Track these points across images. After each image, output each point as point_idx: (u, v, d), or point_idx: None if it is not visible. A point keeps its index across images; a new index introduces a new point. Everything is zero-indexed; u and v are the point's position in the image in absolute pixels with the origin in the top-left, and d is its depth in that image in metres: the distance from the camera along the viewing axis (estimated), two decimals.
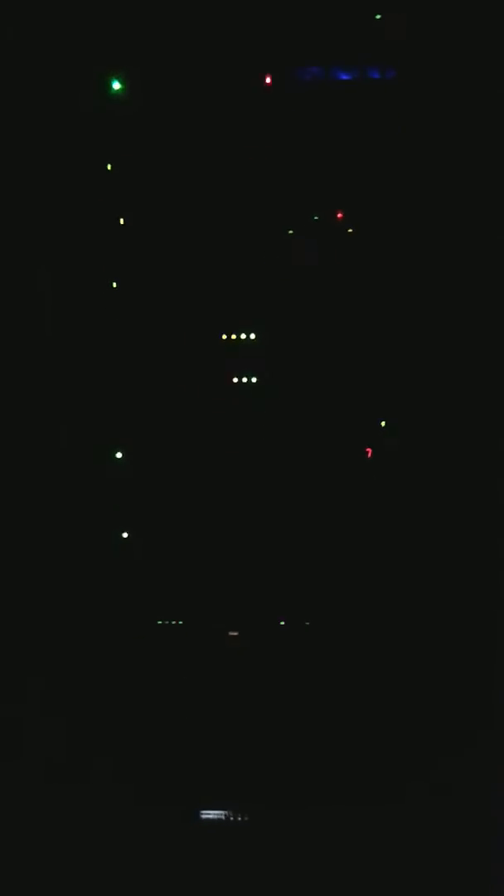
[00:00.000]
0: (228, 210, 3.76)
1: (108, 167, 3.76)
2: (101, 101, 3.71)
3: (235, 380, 3.76)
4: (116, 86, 3.71)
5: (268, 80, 3.69)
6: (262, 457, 3.74)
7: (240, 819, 3.59)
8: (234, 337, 3.77)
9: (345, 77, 3.68)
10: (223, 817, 3.60)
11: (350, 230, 3.77)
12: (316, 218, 3.77)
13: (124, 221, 3.78)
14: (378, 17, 3.65)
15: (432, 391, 3.69)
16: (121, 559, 3.71)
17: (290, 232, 3.78)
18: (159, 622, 3.70)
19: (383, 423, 3.71)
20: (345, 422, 3.73)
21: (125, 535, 3.72)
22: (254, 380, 3.76)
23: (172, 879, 3.49)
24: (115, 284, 3.77)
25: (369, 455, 3.70)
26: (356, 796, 3.57)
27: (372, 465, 3.70)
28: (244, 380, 3.76)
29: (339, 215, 3.77)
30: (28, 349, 3.72)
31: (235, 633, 3.67)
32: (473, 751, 3.45)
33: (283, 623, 3.69)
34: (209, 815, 3.60)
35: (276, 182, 3.74)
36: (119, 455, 3.74)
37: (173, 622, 3.70)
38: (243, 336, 3.77)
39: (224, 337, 3.78)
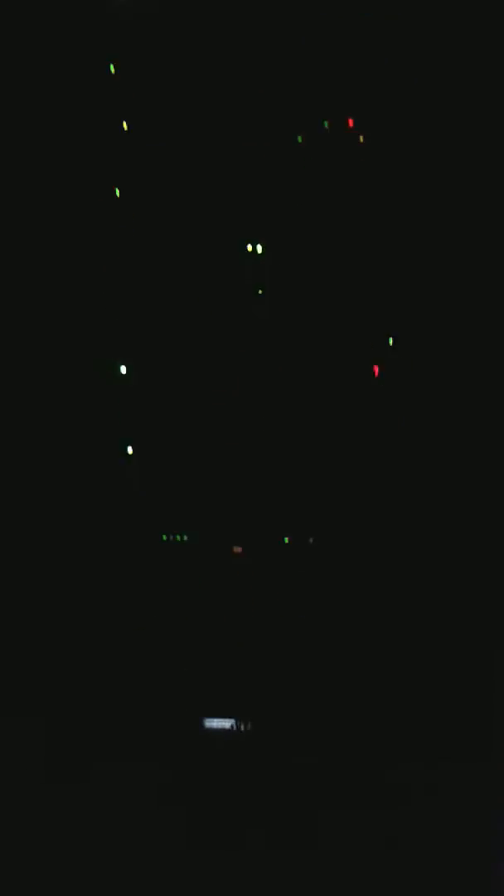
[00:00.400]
0: (236, 116, 3.64)
1: (112, 69, 3.64)
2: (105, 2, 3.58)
3: (242, 293, 3.69)
4: None
5: None
6: (269, 373, 3.69)
7: (243, 728, 3.66)
8: (240, 248, 3.69)
9: None
10: (227, 726, 3.66)
11: (361, 138, 3.66)
12: (326, 125, 3.66)
13: (127, 126, 3.67)
14: None
15: (443, 306, 3.63)
16: (126, 473, 3.70)
17: (300, 139, 3.67)
18: (164, 536, 3.71)
19: (391, 341, 3.66)
20: (352, 339, 3.68)
21: (130, 449, 3.71)
22: (260, 292, 3.69)
23: (177, 785, 3.57)
24: (118, 192, 3.68)
25: (376, 373, 3.66)
26: (356, 707, 3.63)
27: (379, 382, 3.66)
28: (251, 293, 3.69)
29: (350, 122, 3.65)
30: (32, 261, 3.66)
31: (239, 549, 3.69)
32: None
33: (286, 539, 3.70)
34: (213, 723, 3.67)
35: (286, 88, 3.62)
36: (124, 369, 3.70)
37: (178, 536, 3.71)
38: (249, 247, 3.68)
39: (231, 248, 3.69)
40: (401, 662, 3.60)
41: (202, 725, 3.67)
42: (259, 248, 3.68)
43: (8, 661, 3.62)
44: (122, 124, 3.66)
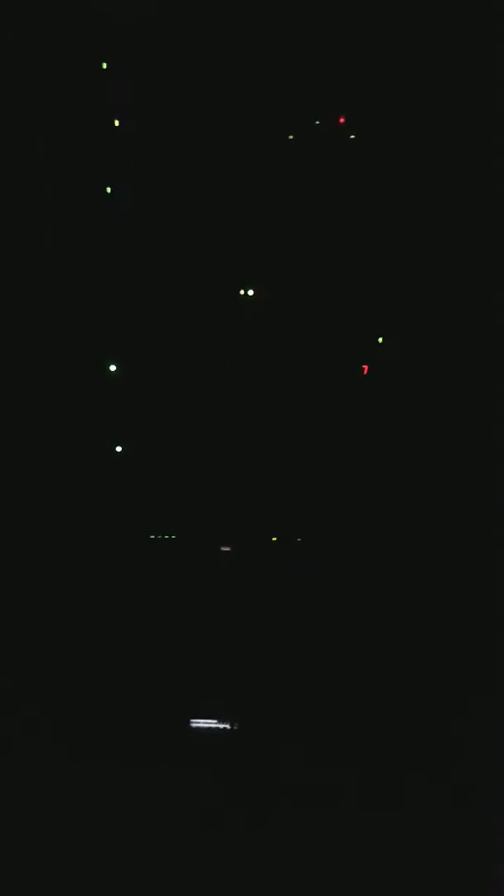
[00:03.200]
0: (228, 114, 3.63)
1: (104, 66, 3.63)
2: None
3: (232, 291, 3.68)
4: None
5: None
6: (259, 371, 3.68)
7: (230, 728, 3.64)
8: (232, 248, 3.68)
9: None
10: (213, 726, 3.65)
11: (352, 136, 3.65)
12: (318, 123, 3.65)
13: (119, 123, 3.66)
14: None
15: (433, 305, 3.62)
16: (114, 473, 3.69)
17: (291, 136, 3.66)
18: (152, 536, 3.70)
19: (380, 340, 3.65)
20: (342, 338, 3.67)
21: (119, 448, 3.70)
22: (251, 292, 3.68)
23: (164, 784, 3.56)
24: (108, 189, 3.67)
25: (365, 372, 3.65)
26: (345, 703, 3.61)
27: (368, 382, 3.65)
28: (241, 292, 3.68)
29: (342, 120, 3.65)
30: (24, 259, 3.65)
31: (228, 549, 3.67)
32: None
33: (274, 539, 3.69)
34: (199, 723, 3.65)
35: (278, 85, 3.61)
36: (113, 368, 3.69)
37: (166, 536, 3.70)
38: (239, 247, 3.68)
39: (221, 247, 3.68)
40: (394, 659, 3.59)
41: (190, 726, 3.66)
42: (249, 247, 3.68)
43: None
44: (113, 121, 3.66)
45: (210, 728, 3.64)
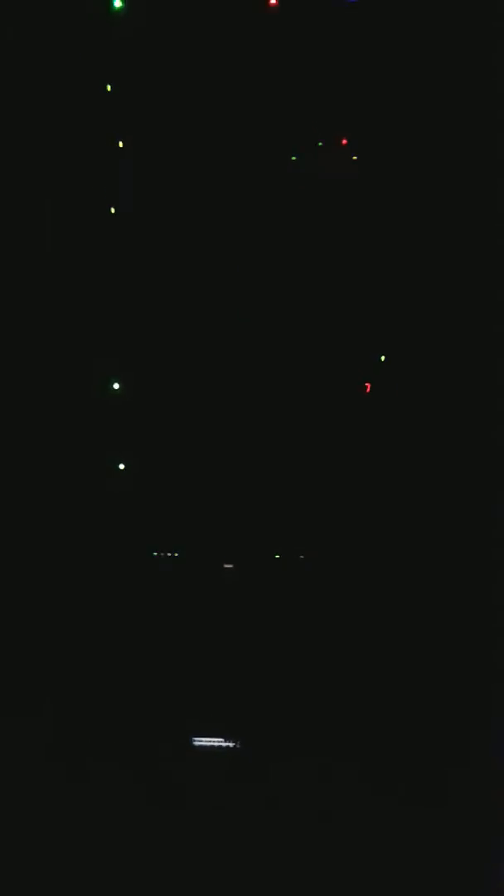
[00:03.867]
0: (231, 134, 3.67)
1: (108, 88, 3.67)
2: (101, 19, 3.61)
3: (235, 310, 3.71)
4: (118, 2, 3.60)
5: (272, 0, 3.58)
6: (260, 390, 3.70)
7: (232, 746, 3.64)
8: (235, 266, 3.70)
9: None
10: (216, 745, 3.65)
11: (354, 156, 3.69)
12: (320, 144, 3.69)
13: (123, 144, 3.70)
14: None
15: (434, 325, 3.64)
16: (117, 490, 3.70)
17: (294, 157, 3.70)
18: (154, 554, 3.70)
19: (383, 358, 3.67)
20: (344, 356, 3.69)
21: (121, 466, 3.71)
22: (254, 310, 3.71)
23: (167, 805, 3.55)
24: (113, 210, 3.70)
25: (367, 390, 3.67)
26: (349, 724, 3.61)
27: (370, 400, 3.67)
28: (244, 310, 3.71)
29: (344, 141, 3.69)
30: (28, 276, 3.68)
31: (230, 566, 3.68)
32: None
33: (277, 556, 3.69)
34: (202, 742, 3.65)
35: (280, 107, 3.65)
36: (116, 386, 3.71)
37: (168, 554, 3.71)
38: (242, 265, 3.70)
39: (224, 266, 3.71)
40: (399, 677, 3.59)
41: (193, 744, 3.65)
42: (253, 266, 3.71)
43: None
44: (117, 142, 3.69)
45: (213, 746, 3.64)
